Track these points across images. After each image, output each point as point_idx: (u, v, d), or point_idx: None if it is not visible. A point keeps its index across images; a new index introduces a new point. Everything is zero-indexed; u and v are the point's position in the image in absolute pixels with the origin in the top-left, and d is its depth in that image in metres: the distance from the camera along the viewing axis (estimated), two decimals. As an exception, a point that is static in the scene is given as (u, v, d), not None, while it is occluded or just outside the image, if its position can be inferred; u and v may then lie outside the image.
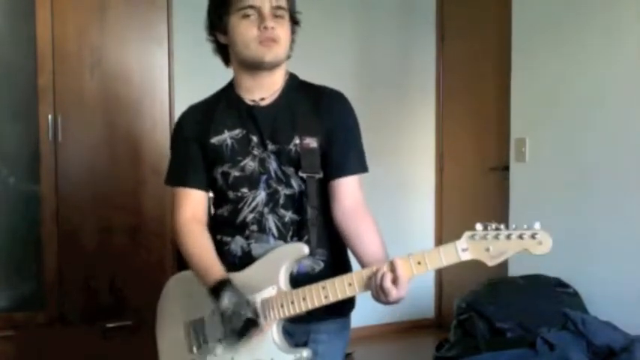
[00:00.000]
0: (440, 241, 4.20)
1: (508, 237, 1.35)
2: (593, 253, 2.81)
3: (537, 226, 1.36)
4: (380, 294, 1.40)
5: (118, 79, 2.77)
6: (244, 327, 1.43)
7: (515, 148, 3.26)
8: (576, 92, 2.91)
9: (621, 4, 2.68)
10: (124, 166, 2.80)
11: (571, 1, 2.93)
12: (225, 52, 1.64)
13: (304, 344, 1.57)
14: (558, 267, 2.89)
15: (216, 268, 1.51)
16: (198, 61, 3.31)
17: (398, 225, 4.10)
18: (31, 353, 2.65)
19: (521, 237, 1.35)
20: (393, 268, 1.39)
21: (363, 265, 1.51)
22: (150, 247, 2.79)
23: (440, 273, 4.18)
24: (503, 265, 3.31)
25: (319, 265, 1.57)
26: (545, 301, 2.68)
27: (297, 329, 1.56)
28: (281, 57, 1.57)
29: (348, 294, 1.44)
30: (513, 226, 1.37)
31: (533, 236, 1.35)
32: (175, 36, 2.86)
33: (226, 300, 1.43)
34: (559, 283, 2.80)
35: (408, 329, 4.02)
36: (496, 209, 3.53)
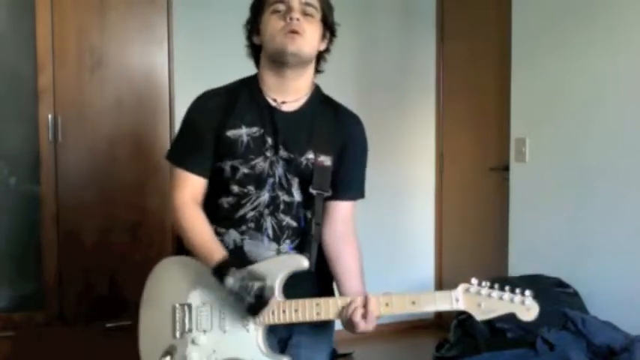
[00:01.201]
0: (440, 241, 4.21)
1: (500, 298, 1.46)
2: (593, 253, 2.81)
3: (528, 293, 1.46)
4: (348, 325, 1.48)
5: (118, 80, 2.77)
6: (257, 302, 1.43)
7: (515, 148, 3.26)
8: (577, 92, 2.91)
9: (622, 3, 2.68)
10: (124, 167, 2.80)
11: (571, 0, 2.93)
12: (258, 53, 1.66)
13: (287, 338, 1.60)
14: (558, 267, 2.89)
15: (219, 251, 1.52)
16: (198, 61, 3.35)
17: (398, 225, 4.11)
18: (31, 353, 2.65)
19: (512, 300, 1.46)
20: (365, 304, 1.46)
21: (338, 287, 1.60)
22: (150, 247, 2.79)
23: (440, 273, 4.19)
24: (504, 265, 3.31)
25: None
26: (545, 301, 2.67)
27: (279, 324, 1.56)
28: (305, 52, 1.57)
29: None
30: (506, 288, 1.47)
31: (522, 302, 1.45)
32: (175, 36, 2.86)
33: (231, 279, 1.43)
34: (559, 283, 2.80)
35: (408, 329, 4.01)
36: (496, 209, 3.53)
